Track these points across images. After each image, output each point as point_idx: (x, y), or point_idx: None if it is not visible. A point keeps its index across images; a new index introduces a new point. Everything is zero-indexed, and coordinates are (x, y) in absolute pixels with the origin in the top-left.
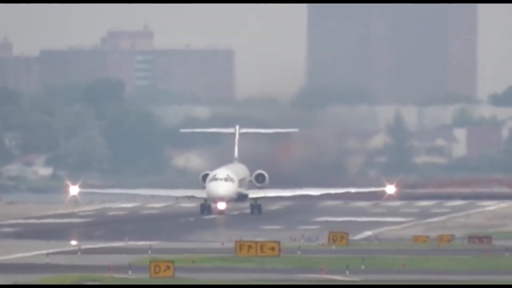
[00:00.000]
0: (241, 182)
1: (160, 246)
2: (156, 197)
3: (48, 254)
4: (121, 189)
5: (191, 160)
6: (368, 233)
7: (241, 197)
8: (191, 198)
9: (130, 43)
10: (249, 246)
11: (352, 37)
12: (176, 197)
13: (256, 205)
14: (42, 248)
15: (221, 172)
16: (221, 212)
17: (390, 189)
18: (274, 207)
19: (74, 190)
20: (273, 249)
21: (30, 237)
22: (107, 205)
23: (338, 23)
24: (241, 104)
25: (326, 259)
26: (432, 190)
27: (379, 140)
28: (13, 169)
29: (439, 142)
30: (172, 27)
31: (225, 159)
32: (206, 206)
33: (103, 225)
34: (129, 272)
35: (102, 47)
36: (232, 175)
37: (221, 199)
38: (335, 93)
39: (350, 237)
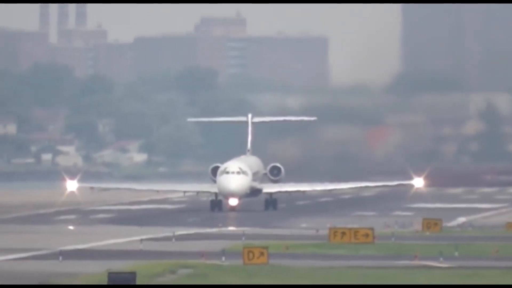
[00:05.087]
0: (254, 175)
1: (254, 232)
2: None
3: (141, 240)
4: (124, 184)
5: (283, 149)
6: (462, 219)
7: (255, 192)
8: (199, 193)
9: (223, 30)
10: (343, 233)
11: (445, 24)
12: (184, 192)
13: (272, 200)
14: (135, 234)
15: (233, 165)
16: (232, 209)
17: (418, 182)
18: (367, 193)
19: (72, 185)
20: (367, 235)
21: (124, 223)
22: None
23: (431, 11)
24: (334, 92)
25: (420, 246)
26: None
27: (472, 127)
28: (107, 155)
29: None
30: (265, 14)
31: (315, 148)
32: (216, 202)
33: (196, 211)
34: (223, 258)
35: (195, 34)
36: (244, 168)
37: (233, 194)
38: (428, 80)
39: (443, 224)
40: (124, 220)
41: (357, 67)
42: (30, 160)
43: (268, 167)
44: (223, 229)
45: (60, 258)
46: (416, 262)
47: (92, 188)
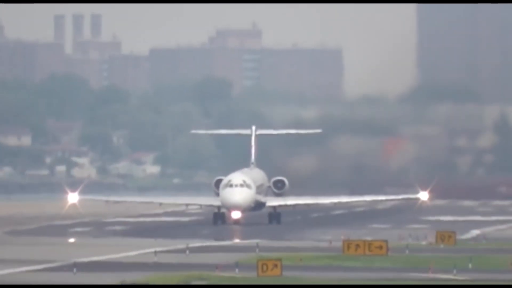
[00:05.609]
0: (258, 188)
1: (267, 244)
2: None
3: (156, 252)
4: (128, 197)
5: (298, 161)
6: (476, 232)
7: (259, 206)
8: (202, 206)
9: (238, 42)
10: (357, 245)
11: (460, 35)
12: (186, 205)
13: (275, 214)
14: (150, 246)
15: (237, 178)
16: (236, 222)
17: (424, 195)
18: (382, 206)
19: (73, 197)
20: (381, 247)
21: (138, 236)
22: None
23: (447, 21)
24: (349, 103)
25: (434, 258)
26: None
27: (487, 139)
28: (122, 167)
29: None
30: (280, 26)
31: (330, 159)
32: (219, 215)
33: (210, 224)
34: (236, 270)
35: (210, 46)
36: (248, 181)
37: (237, 207)
38: (444, 91)
39: (457, 236)
40: (138, 232)
41: (372, 79)
42: (45, 171)
43: (272, 180)
44: (236, 241)
45: (75, 270)
46: (430, 275)
47: (107, 201)
